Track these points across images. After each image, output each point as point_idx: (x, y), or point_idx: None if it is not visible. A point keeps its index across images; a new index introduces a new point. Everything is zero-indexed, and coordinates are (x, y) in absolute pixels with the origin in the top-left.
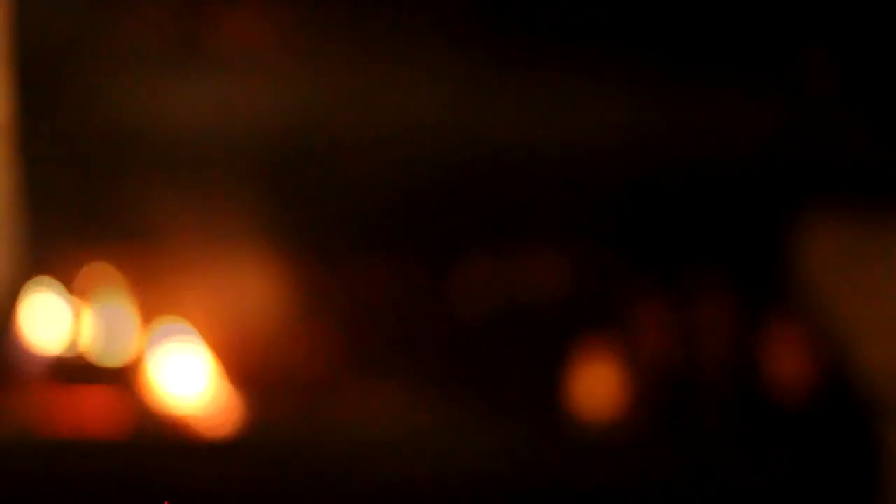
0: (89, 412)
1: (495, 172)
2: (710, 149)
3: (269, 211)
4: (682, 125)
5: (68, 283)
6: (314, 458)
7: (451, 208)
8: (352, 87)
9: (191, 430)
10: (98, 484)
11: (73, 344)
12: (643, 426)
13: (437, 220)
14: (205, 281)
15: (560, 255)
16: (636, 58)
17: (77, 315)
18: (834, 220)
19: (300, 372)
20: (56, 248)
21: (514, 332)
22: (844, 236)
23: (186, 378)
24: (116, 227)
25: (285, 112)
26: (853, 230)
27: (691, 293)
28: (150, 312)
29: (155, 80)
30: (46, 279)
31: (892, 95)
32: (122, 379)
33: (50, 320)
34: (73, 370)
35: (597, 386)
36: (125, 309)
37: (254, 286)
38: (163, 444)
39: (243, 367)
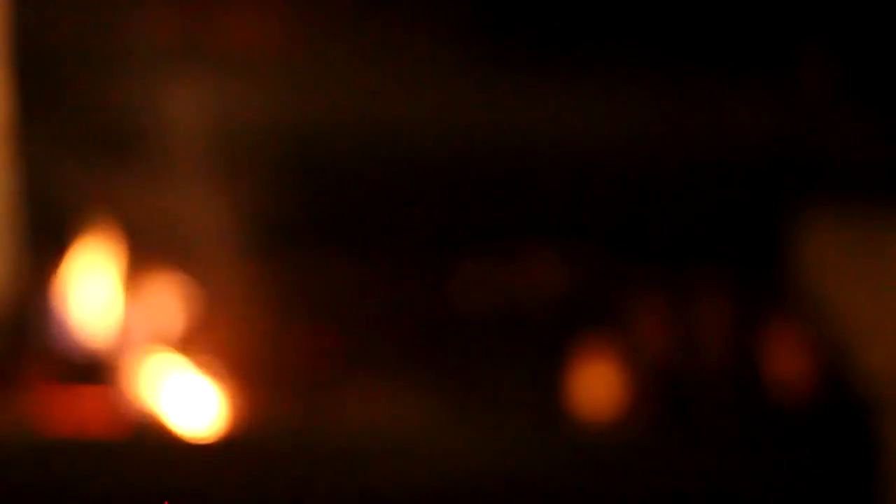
0: (89, 412)
1: (495, 172)
2: (709, 148)
3: (269, 210)
4: (681, 124)
5: (68, 283)
6: (314, 457)
7: (450, 208)
8: (351, 87)
9: (191, 431)
10: (98, 484)
11: (74, 343)
12: (643, 426)
13: (437, 220)
14: (204, 281)
15: (559, 254)
16: (635, 57)
17: (77, 314)
18: (834, 219)
19: (299, 372)
20: (56, 248)
21: (514, 332)
22: (844, 235)
23: (186, 377)
24: (117, 227)
25: (285, 112)
26: (853, 229)
27: (691, 292)
28: (150, 312)
29: (156, 81)
30: (47, 279)
31: (892, 94)
32: (123, 378)
33: (50, 320)
34: (74, 370)
35: (596, 385)
36: (125, 308)
37: (253, 285)
38: (163, 445)
39: (243, 367)
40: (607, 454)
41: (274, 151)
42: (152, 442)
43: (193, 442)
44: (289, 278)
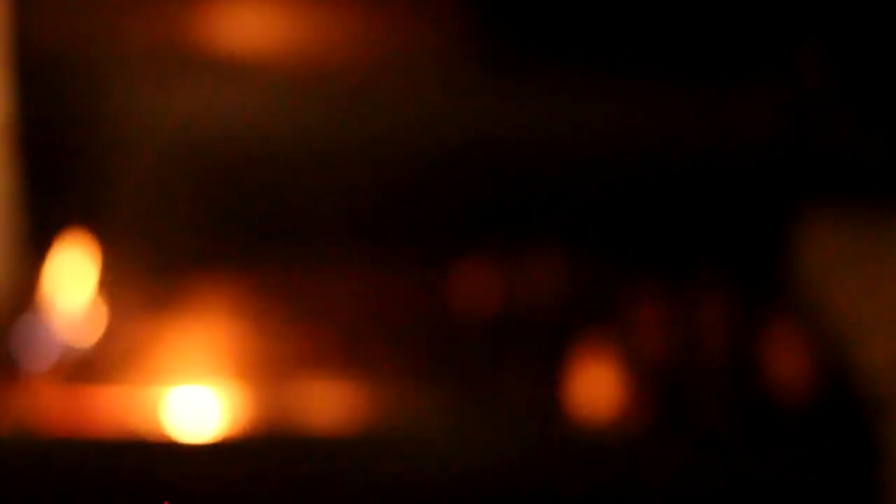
0: (89, 412)
1: (495, 172)
2: (709, 148)
3: (268, 210)
4: (680, 124)
5: (68, 282)
6: (314, 457)
7: (450, 208)
8: (351, 87)
9: (190, 430)
10: (98, 484)
11: (74, 343)
12: (642, 426)
13: (437, 220)
14: (204, 281)
15: (559, 254)
16: (634, 57)
17: (77, 314)
18: (834, 219)
19: (298, 372)
20: (56, 249)
21: (513, 332)
22: (844, 235)
23: (186, 377)
24: (117, 227)
25: (285, 113)
26: (853, 229)
27: (691, 292)
28: (150, 311)
29: (157, 81)
30: (47, 279)
31: (891, 95)
32: (123, 377)
33: (50, 320)
34: (75, 369)
35: (596, 385)
36: (125, 307)
37: (252, 286)
38: (162, 444)
39: (243, 367)
40: (607, 454)
41: (272, 151)
42: (152, 442)
43: (194, 442)
44: (288, 278)
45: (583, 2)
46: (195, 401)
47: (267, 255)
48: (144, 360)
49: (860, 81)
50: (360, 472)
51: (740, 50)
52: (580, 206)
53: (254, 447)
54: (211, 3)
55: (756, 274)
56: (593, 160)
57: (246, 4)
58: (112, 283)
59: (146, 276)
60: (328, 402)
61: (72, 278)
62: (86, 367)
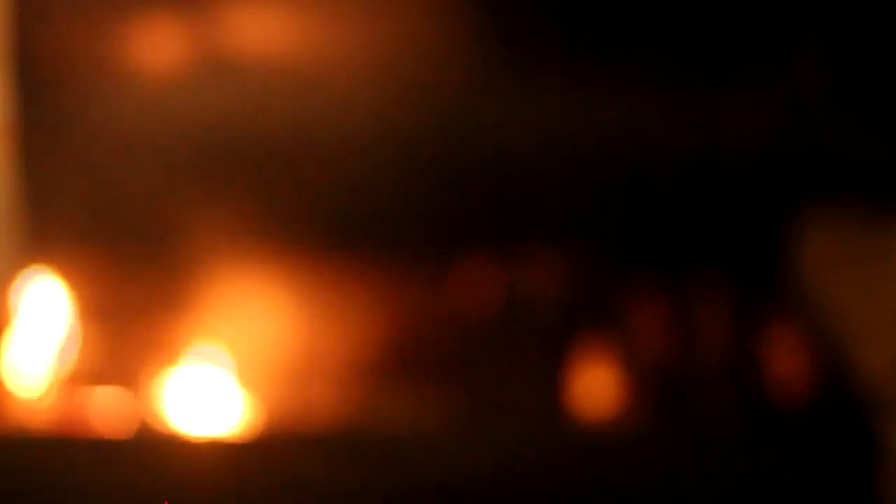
0: (90, 411)
1: (495, 172)
2: (708, 148)
3: (268, 211)
4: (680, 125)
5: (69, 283)
6: (314, 457)
7: (450, 208)
8: (351, 87)
9: (191, 430)
10: (98, 483)
11: (75, 344)
12: (642, 426)
13: (437, 220)
14: (205, 281)
15: (559, 254)
16: (634, 57)
17: (78, 314)
18: (832, 219)
19: (299, 372)
20: (57, 249)
21: (514, 333)
22: (843, 236)
23: (187, 376)
24: (118, 228)
25: (286, 114)
26: (852, 229)
27: (690, 292)
28: (150, 311)
29: (158, 81)
30: (47, 279)
31: (890, 95)
32: (125, 377)
33: (51, 319)
34: (75, 369)
35: (596, 385)
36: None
37: (253, 286)
38: (163, 444)
39: (243, 366)
40: (607, 454)
41: (273, 152)
42: (153, 441)
43: (194, 441)
44: (288, 278)
45: (582, 2)
46: (195, 400)
47: (266, 255)
48: (144, 359)
49: (860, 81)
50: (360, 472)
51: (740, 50)
52: (580, 207)
53: (254, 446)
54: (208, 6)
55: (756, 274)
56: (593, 160)
57: (245, 6)
58: (112, 283)
59: (145, 276)
60: (329, 402)
61: (71, 278)
62: (85, 367)
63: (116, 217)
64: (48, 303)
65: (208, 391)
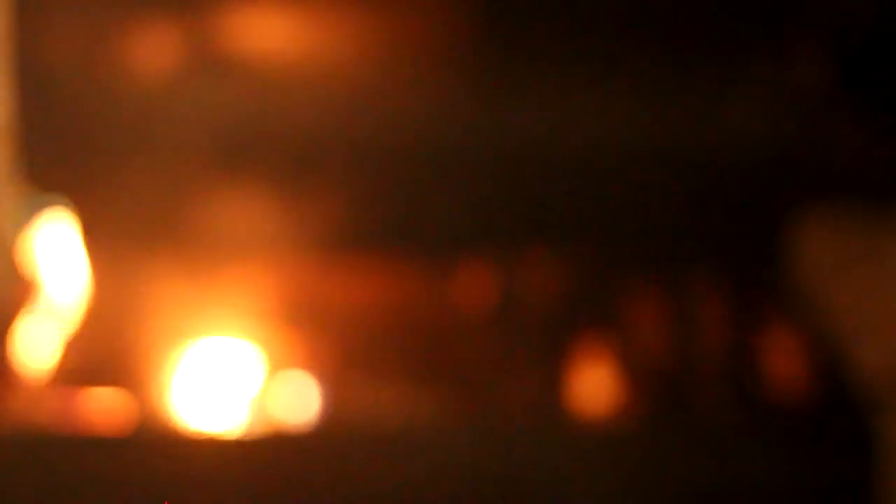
0: (92, 411)
1: (495, 172)
2: (707, 148)
3: (269, 211)
4: (679, 125)
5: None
6: (314, 456)
7: (450, 208)
8: (351, 87)
9: (191, 428)
10: (98, 483)
11: (75, 342)
12: (642, 425)
13: (439, 222)
14: (205, 280)
15: (559, 255)
16: (634, 60)
17: (78, 313)
18: (831, 219)
19: (299, 371)
20: (57, 249)
21: (515, 332)
22: (842, 235)
23: (187, 375)
24: (118, 228)
25: (287, 114)
26: (850, 230)
27: (690, 292)
28: (151, 311)
29: (158, 81)
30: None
31: (890, 96)
32: (124, 376)
33: (51, 319)
34: (76, 368)
35: (595, 385)
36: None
37: (255, 285)
38: (163, 443)
39: (243, 366)
40: (606, 453)
41: (274, 152)
42: (153, 440)
43: (194, 439)
44: (289, 277)
45: (582, 2)
46: (194, 399)
47: (266, 254)
48: (143, 359)
49: (860, 82)
50: (360, 471)
51: (740, 50)
52: (580, 207)
53: (253, 445)
54: (208, 7)
55: (755, 274)
56: (593, 160)
57: (245, 8)
58: (112, 281)
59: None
60: (329, 401)
61: (70, 278)
62: (84, 367)
63: (116, 217)
64: (49, 300)
65: (209, 388)
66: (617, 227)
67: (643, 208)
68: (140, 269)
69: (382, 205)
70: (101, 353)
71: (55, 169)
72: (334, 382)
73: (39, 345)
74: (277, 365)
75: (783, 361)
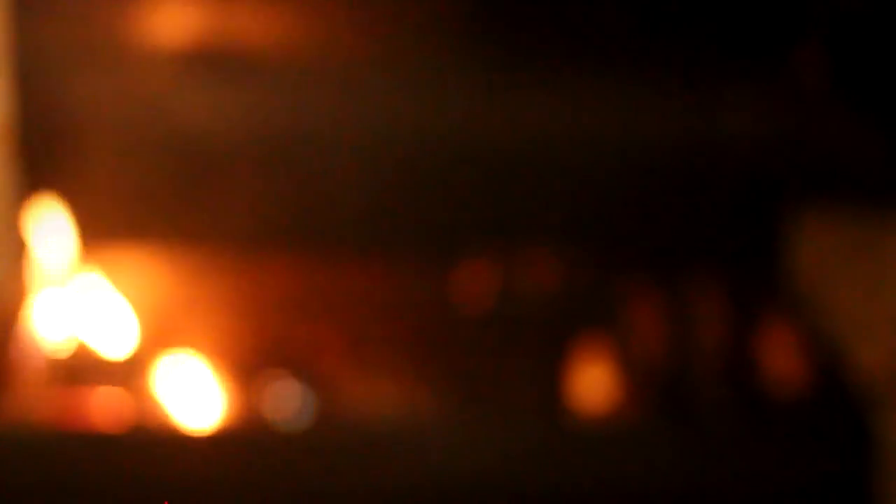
0: (91, 409)
1: (495, 172)
2: (706, 148)
3: (270, 210)
4: (678, 125)
5: (69, 282)
6: (314, 455)
7: (450, 208)
8: (352, 88)
9: (191, 428)
10: (98, 482)
11: (75, 342)
12: (641, 424)
13: (438, 220)
14: (208, 280)
15: (559, 254)
16: (632, 59)
17: (78, 313)
18: (830, 218)
19: (299, 370)
20: (57, 249)
21: (513, 331)
22: (841, 235)
23: (187, 375)
24: (118, 228)
25: (287, 114)
26: (850, 229)
27: (688, 291)
28: (151, 311)
29: (158, 81)
30: (48, 278)
31: (888, 95)
32: (124, 376)
33: (51, 319)
34: (76, 368)
35: (595, 384)
36: (125, 306)
37: (256, 285)
38: (163, 442)
39: (243, 365)
40: (606, 452)
41: (274, 152)
42: (153, 439)
43: (194, 436)
44: (290, 277)
45: (581, 2)
46: (195, 396)
47: (265, 253)
48: (139, 357)
49: (859, 81)
50: (360, 469)
51: (739, 49)
52: (578, 205)
53: (252, 444)
54: (209, 5)
55: (753, 273)
56: (592, 160)
57: (246, 6)
58: (111, 281)
59: (145, 274)
60: (326, 400)
61: (70, 279)
62: (83, 367)
63: (116, 216)
64: (49, 300)
65: (205, 386)
66: (615, 226)
67: (642, 207)
68: (136, 266)
69: (380, 203)
70: (100, 353)
71: (53, 168)
72: (331, 380)
73: (38, 343)
74: (273, 363)
75: (782, 361)
